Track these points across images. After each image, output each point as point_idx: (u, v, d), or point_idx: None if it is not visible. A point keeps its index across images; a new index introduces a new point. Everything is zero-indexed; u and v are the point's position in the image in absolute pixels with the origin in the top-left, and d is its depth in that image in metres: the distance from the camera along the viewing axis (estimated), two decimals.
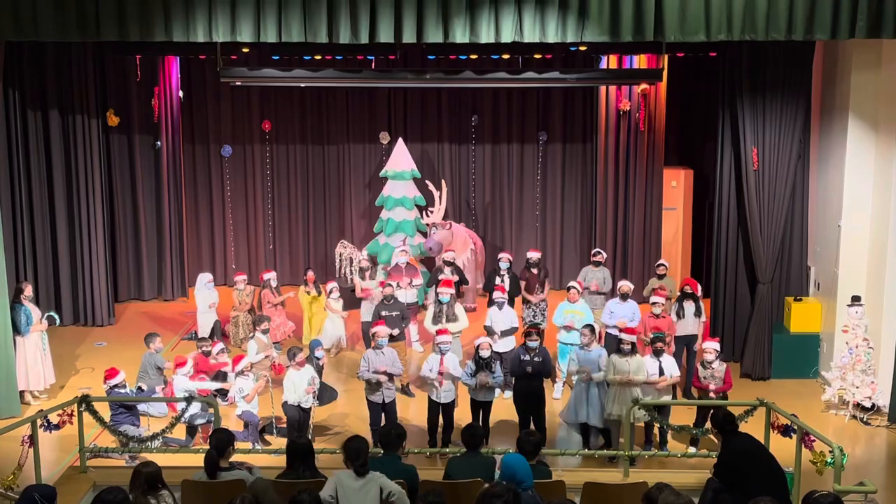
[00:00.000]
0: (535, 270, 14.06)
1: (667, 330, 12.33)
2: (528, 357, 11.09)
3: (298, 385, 11.48)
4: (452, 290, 13.03)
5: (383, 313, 12.84)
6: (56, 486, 7.31)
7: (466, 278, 15.31)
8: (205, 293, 14.91)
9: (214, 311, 14.90)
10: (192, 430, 11.55)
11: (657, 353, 11.25)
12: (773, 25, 11.15)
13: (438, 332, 11.61)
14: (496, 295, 13.05)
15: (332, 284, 15.07)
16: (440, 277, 13.84)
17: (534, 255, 14.32)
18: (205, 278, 15.07)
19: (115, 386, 10.96)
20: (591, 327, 11.47)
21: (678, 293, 13.39)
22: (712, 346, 11.29)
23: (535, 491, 7.21)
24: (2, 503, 8.79)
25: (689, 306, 13.02)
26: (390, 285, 13.40)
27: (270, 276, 14.99)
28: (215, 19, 11.14)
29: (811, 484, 8.61)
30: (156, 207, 17.46)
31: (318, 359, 12.06)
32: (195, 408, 11.20)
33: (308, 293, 14.96)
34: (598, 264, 14.37)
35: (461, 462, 8.20)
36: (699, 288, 13.53)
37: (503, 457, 7.40)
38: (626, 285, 13.24)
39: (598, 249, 14.99)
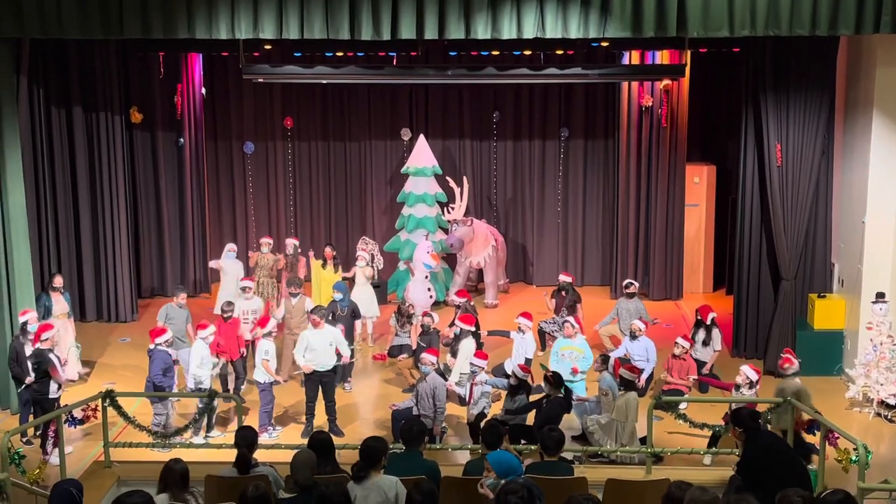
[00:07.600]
0: (564, 294, 14.14)
1: (688, 371, 12.30)
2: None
3: (315, 346, 11.21)
4: (466, 326, 12.46)
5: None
6: (81, 481, 7.33)
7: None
8: (228, 263, 14.89)
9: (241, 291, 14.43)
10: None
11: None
12: (796, 20, 11.09)
13: (476, 355, 11.63)
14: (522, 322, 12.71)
15: (360, 252, 14.85)
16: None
17: (564, 279, 14.36)
18: (228, 247, 15.14)
19: (160, 344, 11.30)
20: (604, 357, 11.51)
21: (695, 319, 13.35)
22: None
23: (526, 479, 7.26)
24: (26, 497, 8.87)
25: (700, 335, 13.05)
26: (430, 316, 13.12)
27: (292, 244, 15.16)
28: (238, 16, 11.20)
29: (835, 482, 8.57)
30: (179, 204, 17.53)
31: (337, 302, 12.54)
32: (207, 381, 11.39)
33: (323, 267, 14.64)
34: (631, 296, 13.90)
35: (480, 461, 8.19)
36: (710, 316, 13.10)
37: (488, 456, 7.15)
38: (635, 324, 12.87)
39: (630, 280, 14.54)
